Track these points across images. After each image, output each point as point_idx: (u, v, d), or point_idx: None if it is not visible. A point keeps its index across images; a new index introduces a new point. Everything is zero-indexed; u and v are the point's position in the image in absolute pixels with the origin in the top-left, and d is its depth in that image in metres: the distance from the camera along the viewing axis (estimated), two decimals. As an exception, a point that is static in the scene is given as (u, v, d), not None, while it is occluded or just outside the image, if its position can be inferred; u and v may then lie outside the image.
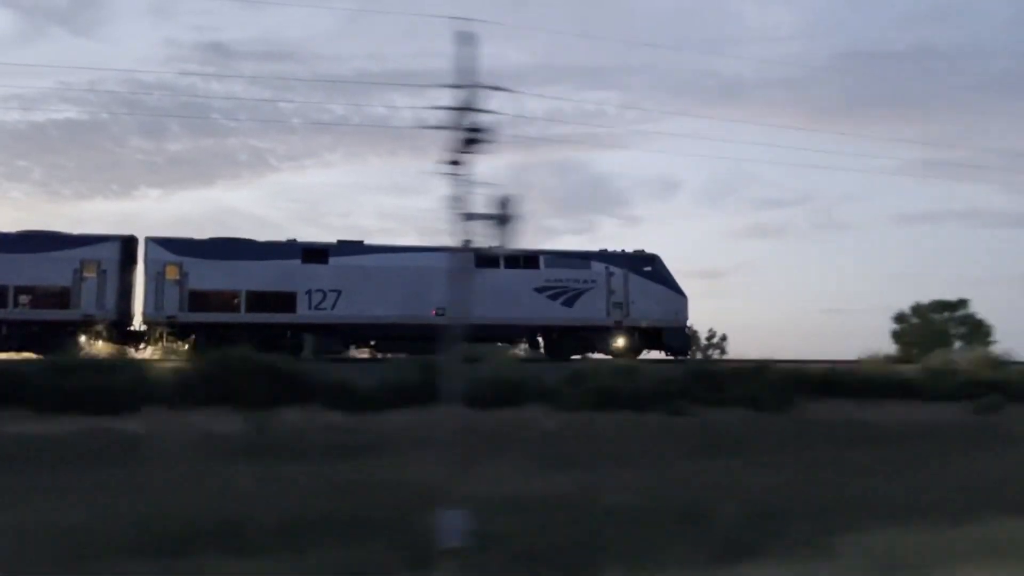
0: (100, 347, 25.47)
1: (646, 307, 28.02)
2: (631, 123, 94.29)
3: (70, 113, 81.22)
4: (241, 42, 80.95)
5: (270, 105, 75.60)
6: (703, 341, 38.83)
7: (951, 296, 38.52)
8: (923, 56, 78.45)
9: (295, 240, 26.64)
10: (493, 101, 8.65)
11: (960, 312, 38.06)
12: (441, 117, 8.33)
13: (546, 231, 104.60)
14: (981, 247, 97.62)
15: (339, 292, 25.84)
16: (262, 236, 27.12)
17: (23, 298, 24.17)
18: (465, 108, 8.26)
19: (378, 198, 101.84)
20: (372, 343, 27.19)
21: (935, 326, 37.19)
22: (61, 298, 24.27)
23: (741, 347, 39.35)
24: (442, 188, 8.16)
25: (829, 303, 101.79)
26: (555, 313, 27.46)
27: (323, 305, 25.75)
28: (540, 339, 28.23)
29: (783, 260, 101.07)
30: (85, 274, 24.40)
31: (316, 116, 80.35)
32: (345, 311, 25.83)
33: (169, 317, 24.88)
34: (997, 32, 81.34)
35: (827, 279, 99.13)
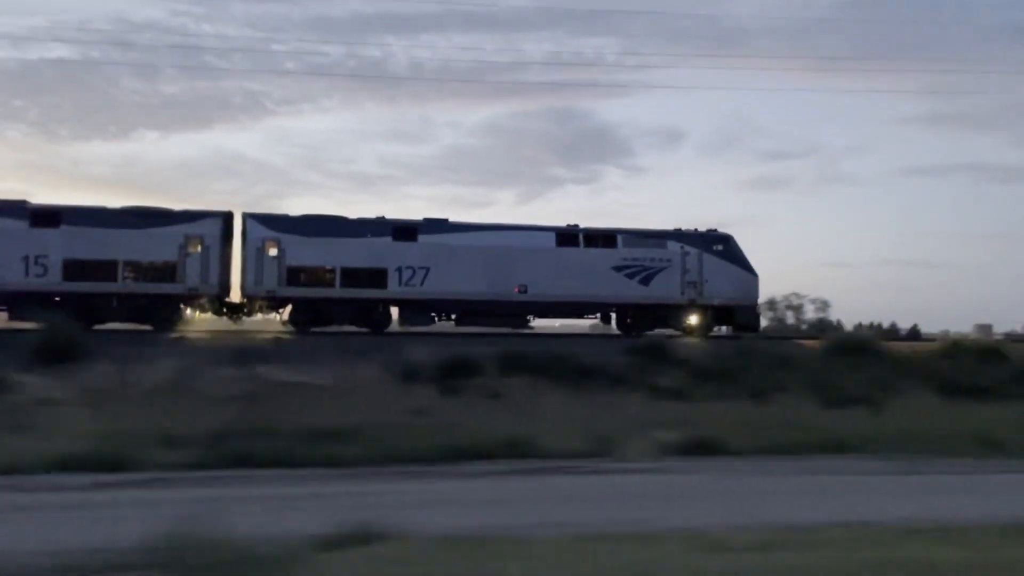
0: (203, 319, 26.83)
1: (719, 286, 28.88)
2: (631, 71, 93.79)
3: (62, 52, 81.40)
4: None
5: (263, 47, 75.43)
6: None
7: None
8: (924, 6, 77.03)
9: (384, 217, 27.59)
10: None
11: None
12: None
13: (549, 180, 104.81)
14: (988, 202, 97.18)
15: (427, 269, 26.86)
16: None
17: (129, 272, 25.34)
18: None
19: (379, 145, 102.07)
20: (453, 317, 28.21)
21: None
22: (167, 272, 25.42)
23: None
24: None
25: (833, 257, 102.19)
26: (632, 291, 28.37)
27: (412, 281, 26.80)
28: (613, 315, 29.21)
29: (787, 213, 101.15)
30: (189, 249, 25.51)
31: (310, 59, 79.89)
32: (433, 287, 26.88)
33: (268, 291, 26.03)
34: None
35: (832, 232, 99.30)
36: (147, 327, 25.49)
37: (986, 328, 45.29)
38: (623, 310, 28.76)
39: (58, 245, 24.82)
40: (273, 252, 26.16)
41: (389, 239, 26.96)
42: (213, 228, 25.95)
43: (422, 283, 26.89)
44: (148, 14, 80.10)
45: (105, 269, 25.03)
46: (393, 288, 26.76)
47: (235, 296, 26.76)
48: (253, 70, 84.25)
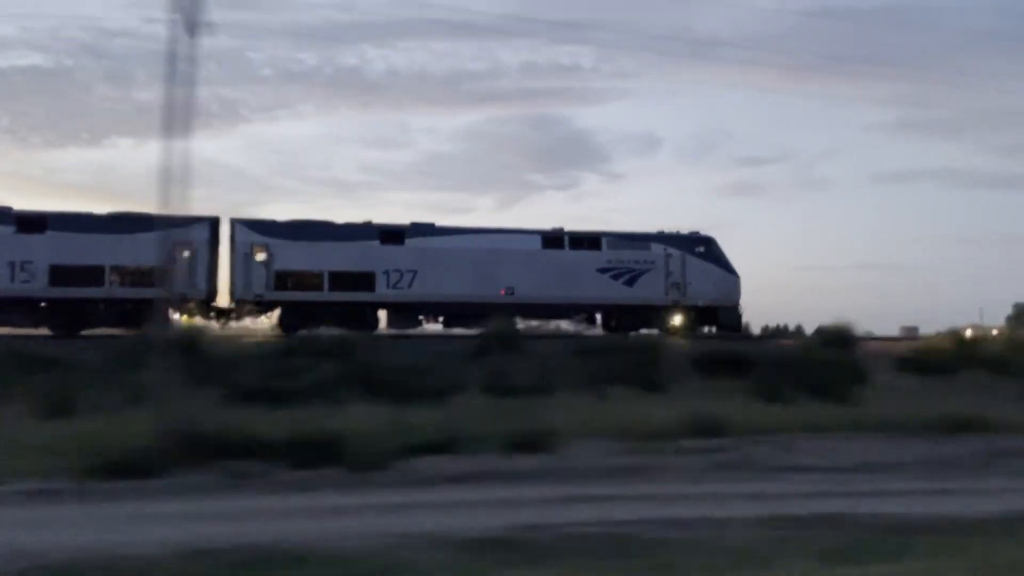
0: (191, 323, 26.79)
1: (702, 287, 29.36)
2: (607, 78, 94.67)
3: (34, 59, 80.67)
4: (205, -14, 78.04)
5: (238, 55, 75.37)
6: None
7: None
8: (892, 15, 78.74)
9: (371, 222, 27.80)
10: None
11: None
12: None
13: (528, 186, 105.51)
14: (955, 207, 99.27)
15: (415, 272, 27.10)
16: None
17: (116, 277, 25.29)
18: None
19: (357, 151, 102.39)
20: (440, 319, 28.43)
21: None
22: (155, 277, 25.37)
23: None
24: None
25: (806, 261, 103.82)
26: (616, 293, 28.77)
27: (400, 284, 27.02)
28: (599, 317, 29.56)
29: (763, 217, 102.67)
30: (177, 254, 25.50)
31: (286, 66, 79.68)
32: (421, 290, 27.12)
33: (256, 296, 26.12)
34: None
35: (805, 237, 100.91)
36: (133, 333, 25.43)
37: (912, 330, 45.99)
38: (608, 311, 29.15)
39: (44, 251, 24.77)
40: (261, 257, 26.26)
41: (376, 243, 27.17)
42: (201, 233, 25.96)
43: (410, 286, 27.13)
44: (121, 21, 79.28)
45: (91, 275, 24.99)
46: (381, 291, 26.97)
47: (223, 301, 26.81)
48: (229, 77, 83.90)
